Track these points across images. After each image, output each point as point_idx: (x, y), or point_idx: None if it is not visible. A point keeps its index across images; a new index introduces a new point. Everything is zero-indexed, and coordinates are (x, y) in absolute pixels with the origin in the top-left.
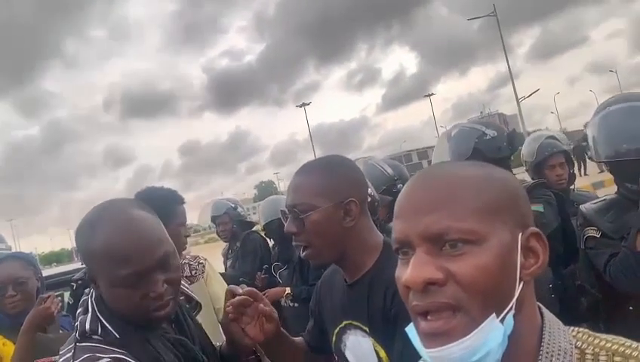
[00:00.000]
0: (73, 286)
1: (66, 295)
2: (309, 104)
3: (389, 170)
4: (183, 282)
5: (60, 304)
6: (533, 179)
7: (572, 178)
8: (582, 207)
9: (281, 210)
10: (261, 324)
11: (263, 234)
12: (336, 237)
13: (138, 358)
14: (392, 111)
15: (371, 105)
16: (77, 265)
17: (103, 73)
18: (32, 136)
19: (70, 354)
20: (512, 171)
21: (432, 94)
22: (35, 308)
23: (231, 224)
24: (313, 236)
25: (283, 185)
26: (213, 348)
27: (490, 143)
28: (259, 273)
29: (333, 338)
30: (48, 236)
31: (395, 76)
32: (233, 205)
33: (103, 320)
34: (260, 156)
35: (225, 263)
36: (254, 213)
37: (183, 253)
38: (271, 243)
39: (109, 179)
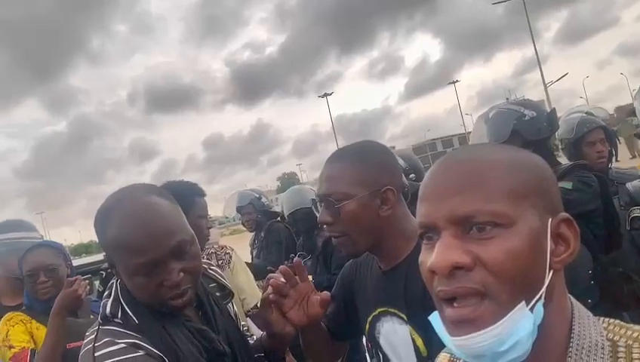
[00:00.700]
0: (102, 274)
1: (96, 284)
2: (331, 94)
3: (401, 162)
4: (216, 269)
5: (88, 287)
6: (570, 160)
7: (611, 156)
8: (628, 184)
9: (313, 199)
10: (304, 308)
11: (285, 223)
12: (373, 226)
13: (155, 345)
14: (416, 100)
15: (394, 94)
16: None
17: (126, 68)
18: (60, 131)
19: (93, 336)
20: (553, 152)
21: (457, 81)
22: (63, 291)
23: (255, 214)
24: (349, 226)
25: (305, 177)
26: (242, 339)
27: (530, 124)
28: (285, 262)
29: (367, 326)
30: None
31: (418, 64)
32: (257, 195)
33: (124, 305)
34: (282, 148)
35: (251, 253)
36: (277, 205)
37: (211, 242)
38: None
39: (135, 173)
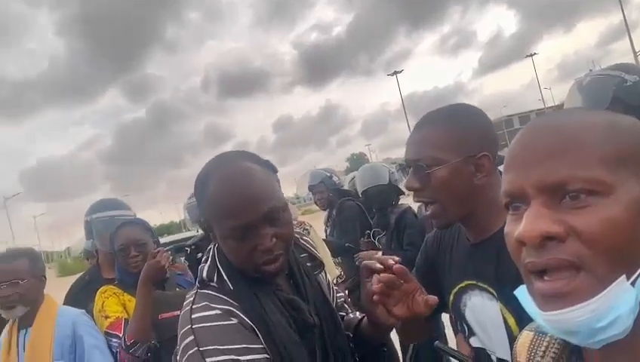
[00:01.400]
0: (187, 250)
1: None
2: (400, 72)
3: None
4: (308, 239)
5: (171, 258)
6: None
7: None
8: None
9: (400, 164)
10: (409, 304)
11: (357, 201)
12: (465, 194)
13: (247, 314)
14: (490, 75)
15: (467, 70)
16: (187, 234)
17: (199, 55)
18: (140, 118)
19: (192, 298)
20: None
21: (534, 54)
22: (148, 262)
23: (327, 192)
24: (439, 193)
25: (375, 157)
26: (331, 312)
27: (633, 90)
28: (362, 238)
29: (451, 298)
30: (158, 210)
31: (492, 37)
32: (329, 174)
33: (220, 269)
34: (351, 128)
35: (325, 231)
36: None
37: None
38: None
39: (211, 156)
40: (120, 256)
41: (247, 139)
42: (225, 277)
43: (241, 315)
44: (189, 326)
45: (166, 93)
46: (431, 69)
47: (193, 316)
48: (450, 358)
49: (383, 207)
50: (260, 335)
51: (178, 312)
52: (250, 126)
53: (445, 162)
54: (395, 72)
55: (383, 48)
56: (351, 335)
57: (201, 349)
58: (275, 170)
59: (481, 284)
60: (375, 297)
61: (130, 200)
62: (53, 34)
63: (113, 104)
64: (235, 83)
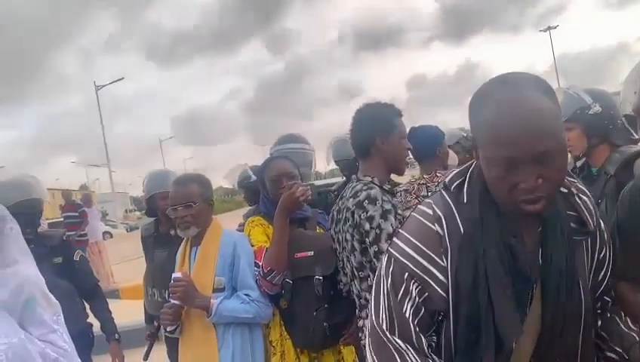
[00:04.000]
0: (330, 196)
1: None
2: (555, 27)
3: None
4: (586, 200)
5: (310, 193)
6: None
7: None
8: None
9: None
10: None
11: None
12: None
13: (459, 229)
14: None
15: (634, 28)
16: (330, 180)
17: (336, 9)
18: (278, 71)
19: (433, 195)
20: None
21: None
22: (284, 194)
23: (463, 154)
24: None
25: None
26: (572, 285)
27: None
28: None
29: None
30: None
31: None
32: (465, 134)
33: (467, 182)
34: None
35: None
36: None
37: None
38: None
39: (341, 111)
40: (272, 187)
41: (378, 96)
42: (464, 191)
43: (448, 229)
44: (411, 211)
45: (304, 47)
46: (589, 25)
47: (419, 206)
48: None
49: None
50: (449, 257)
51: (311, 253)
52: (382, 82)
53: None
54: (549, 28)
55: (534, 1)
56: (605, 337)
57: (399, 231)
58: (401, 115)
59: None
60: None
61: (266, 150)
62: None
63: (254, 56)
64: (370, 37)
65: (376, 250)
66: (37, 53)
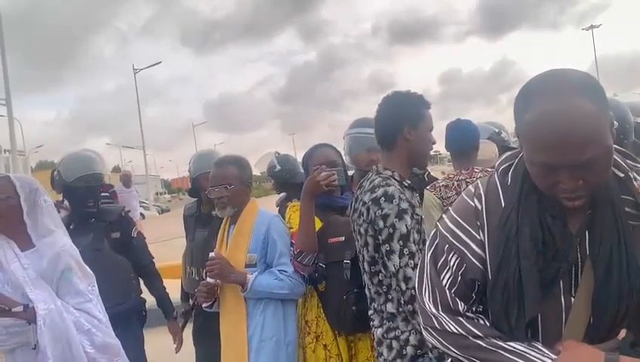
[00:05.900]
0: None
1: None
2: (598, 27)
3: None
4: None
5: (335, 178)
6: None
7: None
8: None
9: None
10: None
11: None
12: None
13: (500, 207)
14: None
15: None
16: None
17: (372, 0)
18: (310, 61)
19: (481, 179)
20: None
21: None
22: (307, 178)
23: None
24: None
25: None
26: (620, 267)
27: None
28: None
29: None
30: None
31: None
32: (497, 130)
33: (514, 165)
34: None
35: None
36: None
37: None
38: None
39: (369, 104)
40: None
41: (410, 90)
42: (510, 173)
43: (487, 205)
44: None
45: (337, 38)
46: (633, 26)
47: (467, 187)
48: None
49: None
50: (486, 232)
51: (342, 239)
52: (414, 76)
53: None
54: (592, 27)
55: None
56: None
57: (448, 208)
58: (429, 106)
59: None
60: None
61: (295, 138)
62: None
63: (288, 45)
64: (405, 30)
65: (387, 249)
66: (75, 37)
